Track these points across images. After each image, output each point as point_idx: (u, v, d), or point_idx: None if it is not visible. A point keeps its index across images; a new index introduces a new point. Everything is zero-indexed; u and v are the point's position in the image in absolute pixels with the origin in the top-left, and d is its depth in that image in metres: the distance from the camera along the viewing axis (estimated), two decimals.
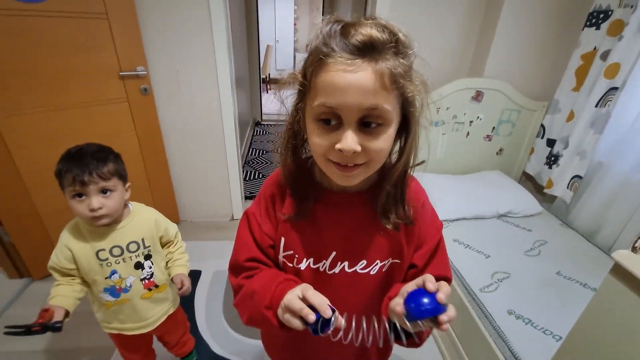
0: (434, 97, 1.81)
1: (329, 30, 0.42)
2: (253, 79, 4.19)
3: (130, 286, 0.93)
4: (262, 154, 3.47)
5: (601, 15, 1.56)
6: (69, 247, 0.85)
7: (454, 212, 1.64)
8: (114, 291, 0.91)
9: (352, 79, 0.40)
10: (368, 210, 0.54)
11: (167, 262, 1.03)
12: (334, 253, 0.55)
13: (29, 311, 1.51)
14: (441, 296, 0.41)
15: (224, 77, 1.83)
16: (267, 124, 4.54)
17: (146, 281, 0.96)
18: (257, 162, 3.26)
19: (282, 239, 0.57)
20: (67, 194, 0.81)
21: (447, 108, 1.85)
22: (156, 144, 1.87)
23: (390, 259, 0.56)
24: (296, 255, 0.56)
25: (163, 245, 1.03)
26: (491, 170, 2.00)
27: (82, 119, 1.53)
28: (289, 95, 0.51)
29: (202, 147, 2.01)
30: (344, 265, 0.55)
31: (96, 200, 0.80)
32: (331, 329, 0.44)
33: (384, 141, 0.44)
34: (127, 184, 0.90)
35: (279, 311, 0.48)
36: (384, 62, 0.41)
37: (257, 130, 4.22)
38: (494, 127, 1.95)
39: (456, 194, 1.72)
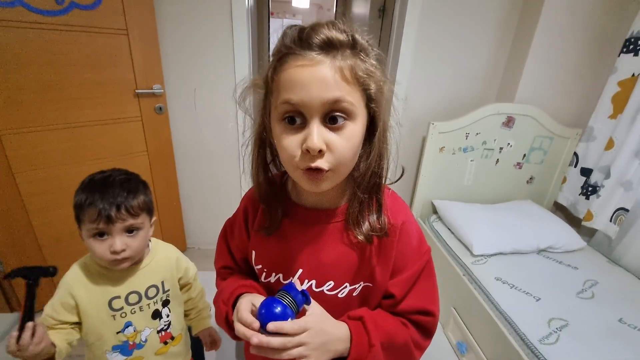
0: (464, 122, 1.72)
1: (288, 34, 0.42)
2: None
3: (146, 341, 0.78)
4: None
5: None
6: (73, 294, 0.70)
7: (492, 247, 1.50)
8: (125, 349, 0.76)
9: (312, 72, 0.39)
10: (340, 227, 0.51)
11: (186, 311, 0.88)
12: (300, 270, 0.52)
13: None
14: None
15: None
16: None
17: (163, 333, 0.81)
18: None
19: (253, 252, 0.57)
20: (85, 232, 0.67)
21: (477, 134, 1.75)
22: (168, 166, 1.75)
23: (362, 282, 0.52)
24: (265, 270, 0.56)
25: (180, 288, 0.88)
26: (522, 200, 1.89)
27: (93, 138, 1.41)
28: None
29: (215, 170, 1.89)
30: (312, 284, 0.52)
31: (120, 241, 0.66)
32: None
33: (350, 140, 0.42)
34: (153, 219, 0.76)
35: (234, 313, 0.48)
36: (343, 59, 0.40)
37: None
38: (524, 155, 1.85)
39: (491, 225, 1.59)
